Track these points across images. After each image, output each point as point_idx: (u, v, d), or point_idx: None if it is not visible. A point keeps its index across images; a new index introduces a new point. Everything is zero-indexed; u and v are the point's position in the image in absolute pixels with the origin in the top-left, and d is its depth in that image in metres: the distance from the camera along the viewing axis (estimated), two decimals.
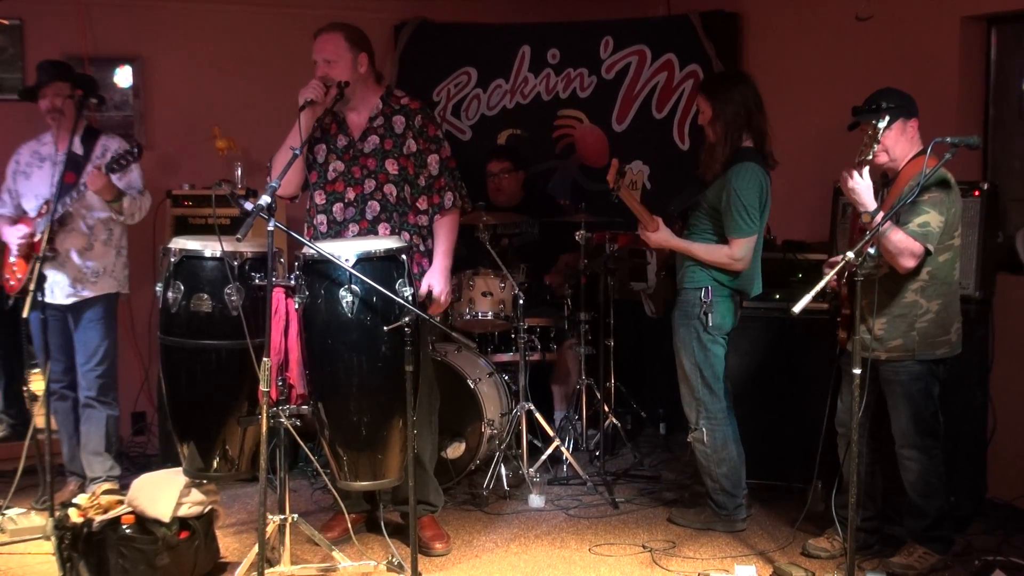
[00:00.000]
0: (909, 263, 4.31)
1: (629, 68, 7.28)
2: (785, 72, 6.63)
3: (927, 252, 4.31)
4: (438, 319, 5.50)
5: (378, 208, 4.77)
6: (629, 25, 7.36)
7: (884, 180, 4.56)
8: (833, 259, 4.23)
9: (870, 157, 4.25)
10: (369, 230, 4.74)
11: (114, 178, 5.30)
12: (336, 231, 4.78)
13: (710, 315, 4.96)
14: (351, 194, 4.78)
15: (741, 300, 5.10)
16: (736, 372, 5.45)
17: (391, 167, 4.78)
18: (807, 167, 6.23)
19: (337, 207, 4.79)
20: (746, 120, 4.96)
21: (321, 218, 4.82)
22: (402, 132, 4.83)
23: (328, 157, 4.82)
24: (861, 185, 4.25)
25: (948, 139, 4.21)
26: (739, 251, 4.90)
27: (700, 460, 5.16)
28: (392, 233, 4.74)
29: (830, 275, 4.11)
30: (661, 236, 5.08)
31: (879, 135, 4.19)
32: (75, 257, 5.44)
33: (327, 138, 4.83)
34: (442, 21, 7.44)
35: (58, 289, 5.44)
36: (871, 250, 4.11)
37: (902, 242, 4.27)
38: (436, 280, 4.77)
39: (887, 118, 4.21)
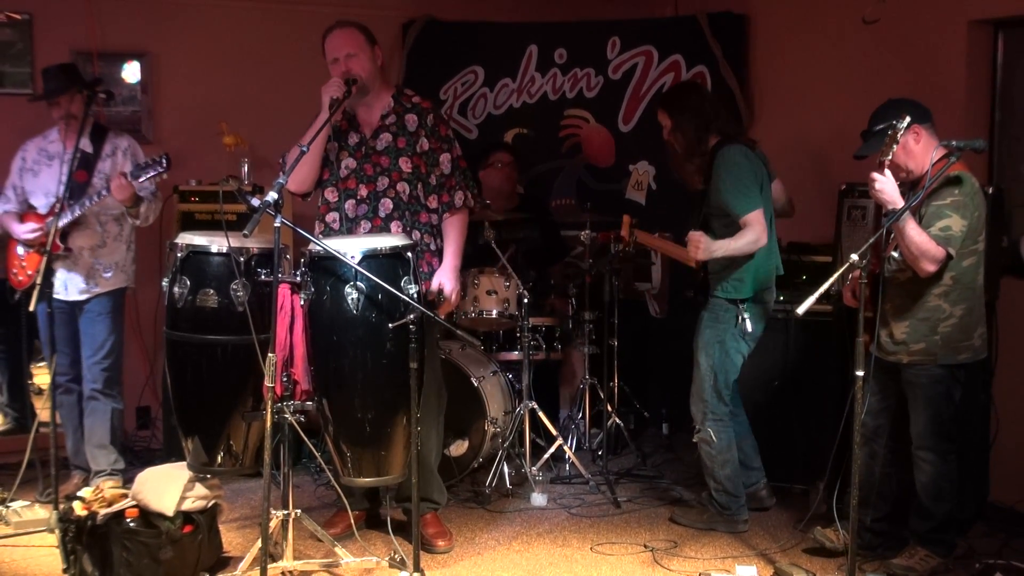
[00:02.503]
0: (930, 267, 4.28)
1: (636, 68, 7.28)
2: (792, 74, 6.64)
3: (949, 256, 4.29)
4: (444, 317, 5.52)
5: (391, 206, 4.77)
6: (636, 25, 7.36)
7: (911, 187, 4.53)
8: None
9: (890, 157, 4.21)
10: (382, 228, 4.74)
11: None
12: (348, 228, 4.77)
13: (748, 322, 4.98)
14: (363, 191, 4.78)
15: (769, 299, 5.13)
16: (740, 373, 5.45)
17: (404, 165, 4.79)
18: (813, 169, 6.24)
19: (349, 204, 4.79)
20: (705, 124, 5.05)
21: (333, 215, 4.82)
22: (415, 130, 4.83)
23: (340, 154, 4.82)
24: (887, 184, 4.19)
25: (954, 142, 4.21)
26: (755, 226, 4.88)
27: (705, 461, 5.17)
28: (404, 231, 4.74)
29: (834, 277, 4.09)
30: (702, 247, 4.95)
31: (899, 135, 4.15)
32: (88, 255, 5.45)
33: (339, 135, 4.83)
34: (449, 20, 7.44)
35: (71, 285, 5.46)
36: (895, 253, 4.10)
37: (923, 244, 4.23)
38: (447, 279, 4.76)
39: (907, 118, 4.13)
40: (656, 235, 5.56)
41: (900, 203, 4.19)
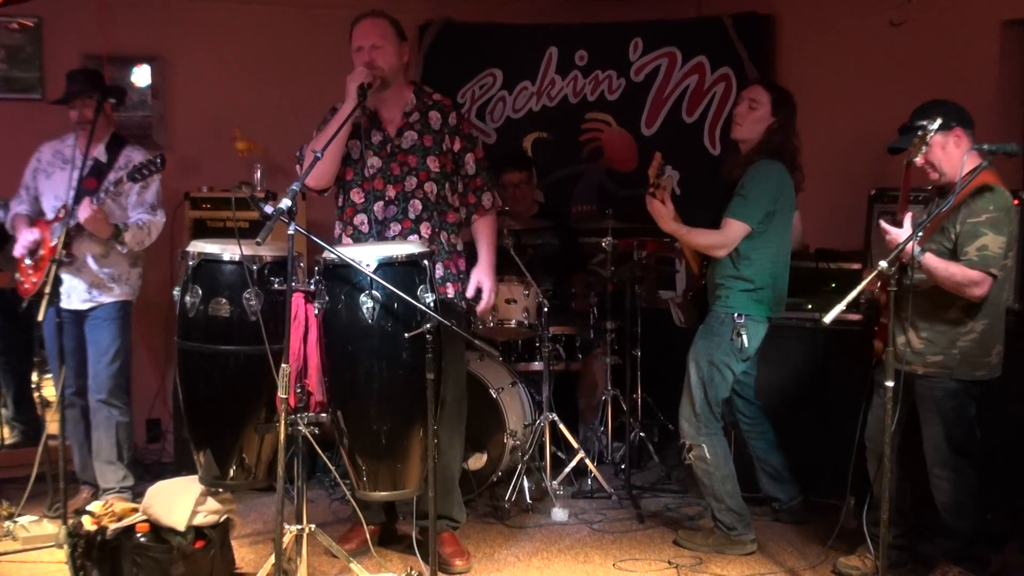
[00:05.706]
0: (978, 292, 4.20)
1: (659, 70, 7.24)
2: (818, 75, 6.60)
3: (992, 276, 4.19)
4: (477, 318, 5.47)
5: (420, 207, 4.71)
6: (659, 26, 7.32)
7: (940, 192, 4.46)
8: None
9: (917, 159, 4.14)
10: (412, 230, 4.69)
11: (134, 192, 5.34)
12: (378, 231, 4.72)
13: (745, 338, 4.86)
14: (392, 192, 4.71)
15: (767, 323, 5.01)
16: (766, 383, 5.43)
17: (432, 164, 4.74)
18: (841, 173, 6.19)
19: (378, 206, 4.72)
20: (783, 142, 4.93)
21: (361, 217, 4.75)
22: (439, 128, 4.78)
23: (364, 153, 4.75)
24: (901, 235, 4.12)
25: (985, 146, 4.14)
26: (727, 233, 4.81)
27: (703, 480, 5.03)
28: (433, 233, 4.70)
29: (861, 285, 4.05)
30: (660, 209, 4.89)
31: (928, 137, 4.08)
32: (91, 263, 5.41)
33: (360, 133, 4.74)
34: (467, 21, 7.41)
35: (75, 294, 5.43)
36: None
37: (956, 276, 4.17)
38: (485, 276, 4.78)
39: (938, 120, 4.09)
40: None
41: (916, 249, 4.10)
